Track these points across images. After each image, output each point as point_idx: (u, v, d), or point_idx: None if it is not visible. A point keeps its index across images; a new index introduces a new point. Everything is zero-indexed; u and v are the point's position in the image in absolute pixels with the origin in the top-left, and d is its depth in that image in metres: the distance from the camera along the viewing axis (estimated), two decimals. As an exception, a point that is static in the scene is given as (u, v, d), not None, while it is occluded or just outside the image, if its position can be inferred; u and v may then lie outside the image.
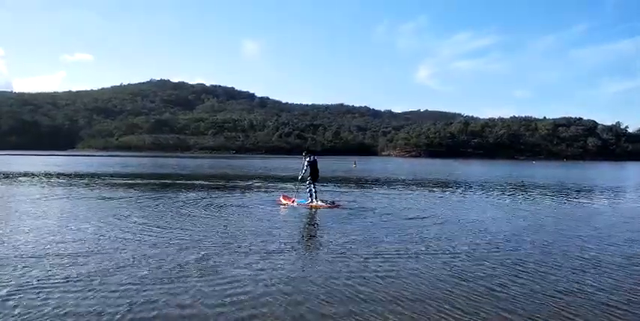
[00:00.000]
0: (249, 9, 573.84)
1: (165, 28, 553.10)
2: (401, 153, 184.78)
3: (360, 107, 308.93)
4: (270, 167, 53.36)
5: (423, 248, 8.88)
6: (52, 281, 6.44)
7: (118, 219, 11.84)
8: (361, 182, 29.12)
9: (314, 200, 15.41)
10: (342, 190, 22.85)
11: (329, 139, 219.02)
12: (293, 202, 15.71)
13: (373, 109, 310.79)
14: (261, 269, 7.20)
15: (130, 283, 6.37)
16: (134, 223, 11.35)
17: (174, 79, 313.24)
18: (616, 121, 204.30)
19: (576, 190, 25.00)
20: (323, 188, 22.84)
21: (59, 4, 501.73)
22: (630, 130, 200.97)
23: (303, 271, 7.28)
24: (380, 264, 7.67)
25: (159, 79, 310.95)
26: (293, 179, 17.48)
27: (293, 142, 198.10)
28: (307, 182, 15.82)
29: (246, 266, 7.34)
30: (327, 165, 61.94)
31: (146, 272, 6.95)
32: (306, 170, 15.69)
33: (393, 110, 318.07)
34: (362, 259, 7.93)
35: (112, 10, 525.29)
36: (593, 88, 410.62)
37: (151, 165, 55.30)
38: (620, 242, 9.95)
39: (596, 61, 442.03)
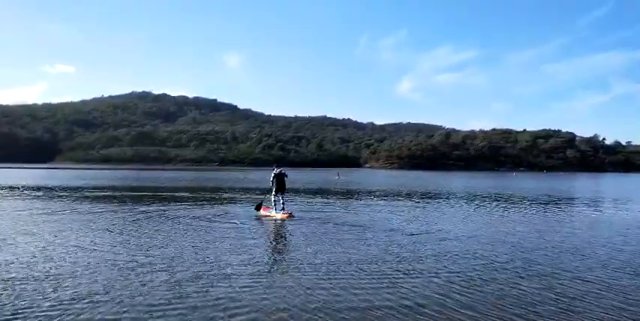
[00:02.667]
0: (231, 22, 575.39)
1: (148, 40, 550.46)
2: (383, 165, 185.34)
3: (343, 119, 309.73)
4: (250, 180, 52.83)
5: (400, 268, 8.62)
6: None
7: (77, 235, 11.41)
8: (343, 194, 29.09)
9: (276, 211, 15.87)
10: (324, 200, 23.25)
11: (312, 151, 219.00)
12: (267, 211, 16.29)
13: (356, 122, 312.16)
14: (237, 299, 6.54)
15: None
16: (94, 239, 10.92)
17: (156, 91, 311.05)
18: (593, 133, 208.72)
19: (546, 202, 25.08)
20: (307, 199, 23.32)
21: (40, 16, 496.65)
22: (607, 142, 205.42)
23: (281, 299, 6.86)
24: (338, 289, 7.34)
25: (140, 91, 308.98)
26: (264, 191, 17.81)
27: (276, 154, 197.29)
28: (272, 193, 16.27)
29: (221, 295, 6.60)
30: (311, 177, 61.95)
31: (110, 305, 6.02)
32: (272, 182, 16.12)
33: (375, 122, 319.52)
34: (322, 279, 7.67)
35: (94, 22, 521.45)
36: (569, 101, 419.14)
37: (131, 178, 54.39)
38: (573, 257, 9.90)
39: (572, 75, 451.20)
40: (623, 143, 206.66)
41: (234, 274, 7.71)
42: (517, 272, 8.23)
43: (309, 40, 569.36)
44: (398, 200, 24.61)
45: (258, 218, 15.48)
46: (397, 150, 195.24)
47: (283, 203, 16.12)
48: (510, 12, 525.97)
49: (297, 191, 30.53)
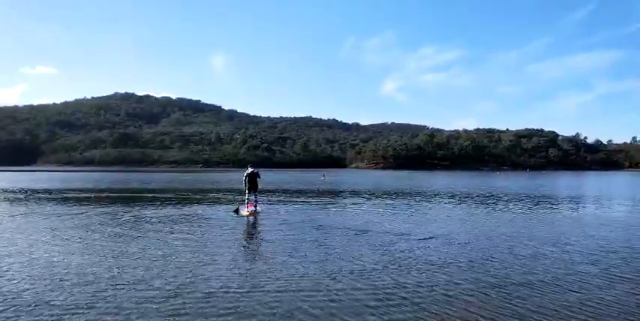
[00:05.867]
0: (216, 22, 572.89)
1: (131, 40, 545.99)
2: (369, 165, 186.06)
3: (329, 120, 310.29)
4: (233, 180, 52.36)
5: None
6: None
7: (33, 242, 10.95)
8: (328, 195, 28.83)
9: (247, 209, 16.65)
10: (309, 201, 23.06)
11: (297, 151, 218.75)
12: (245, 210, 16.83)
13: (341, 122, 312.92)
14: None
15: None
16: (52, 246, 10.49)
17: (140, 93, 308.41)
18: (575, 132, 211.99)
19: (520, 202, 25.22)
20: (291, 200, 23.28)
21: (19, 16, 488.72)
22: (589, 140, 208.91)
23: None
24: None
25: (123, 92, 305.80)
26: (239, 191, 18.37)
27: (261, 155, 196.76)
28: (246, 192, 17.15)
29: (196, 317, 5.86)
30: (296, 178, 61.69)
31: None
32: (245, 181, 17.04)
33: (360, 123, 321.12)
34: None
35: (76, 22, 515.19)
36: (553, 100, 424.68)
37: (110, 180, 53.58)
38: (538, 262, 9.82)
39: (556, 74, 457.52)
40: (604, 142, 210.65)
41: (209, 292, 6.91)
42: (454, 274, 8.04)
43: (296, 41, 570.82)
44: (384, 200, 24.46)
45: (235, 219, 15.36)
46: (382, 150, 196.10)
47: (256, 201, 17.16)
48: (495, 12, 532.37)
49: (282, 192, 30.29)
